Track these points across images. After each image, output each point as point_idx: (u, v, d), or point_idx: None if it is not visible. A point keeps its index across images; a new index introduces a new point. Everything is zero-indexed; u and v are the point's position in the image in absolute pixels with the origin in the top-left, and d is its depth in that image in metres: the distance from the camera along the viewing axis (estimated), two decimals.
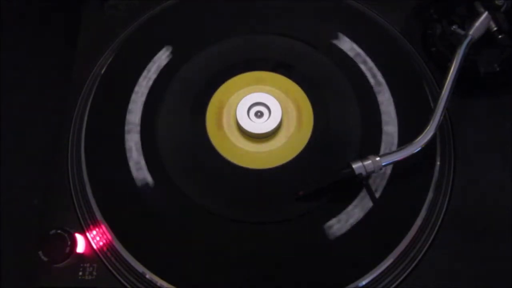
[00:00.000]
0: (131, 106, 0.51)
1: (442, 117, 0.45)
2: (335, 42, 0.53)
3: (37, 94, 0.55)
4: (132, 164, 0.48)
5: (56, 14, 0.60)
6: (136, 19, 0.57)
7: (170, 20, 0.56)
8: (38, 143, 0.52)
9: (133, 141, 0.49)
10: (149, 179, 0.47)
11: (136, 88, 0.52)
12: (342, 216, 0.45)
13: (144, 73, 0.52)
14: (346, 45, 0.53)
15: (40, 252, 0.42)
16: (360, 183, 0.45)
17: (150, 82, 0.52)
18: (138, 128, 0.50)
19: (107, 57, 0.54)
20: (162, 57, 0.53)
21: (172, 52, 0.53)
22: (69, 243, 0.43)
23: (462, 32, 0.49)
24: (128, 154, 0.48)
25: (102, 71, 0.53)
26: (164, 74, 0.52)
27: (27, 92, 0.56)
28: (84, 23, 0.57)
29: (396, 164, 0.45)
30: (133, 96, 0.51)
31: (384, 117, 0.49)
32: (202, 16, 0.55)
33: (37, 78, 0.56)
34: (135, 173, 0.47)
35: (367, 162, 0.44)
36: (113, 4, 0.58)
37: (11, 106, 0.54)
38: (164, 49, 0.53)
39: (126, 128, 0.50)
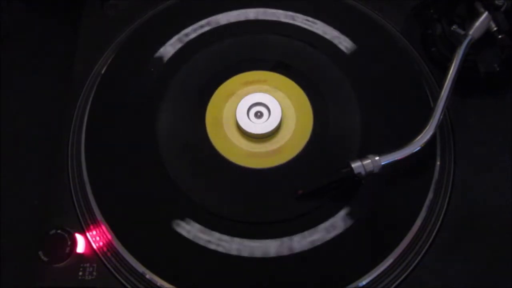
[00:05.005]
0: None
1: (441, 117, 0.45)
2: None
3: (37, 94, 0.55)
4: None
5: (56, 14, 0.60)
6: (136, 19, 0.57)
7: (170, 20, 0.56)
8: (38, 143, 0.52)
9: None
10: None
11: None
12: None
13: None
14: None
15: (40, 252, 0.42)
16: (359, 182, 0.45)
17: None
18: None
19: (107, 56, 0.54)
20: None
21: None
22: (69, 243, 0.43)
23: (462, 32, 0.49)
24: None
25: (102, 71, 0.53)
26: (164, 74, 0.52)
27: (27, 92, 0.56)
28: (84, 23, 0.57)
29: (396, 164, 0.45)
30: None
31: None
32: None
33: (37, 78, 0.56)
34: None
35: (366, 162, 0.44)
36: (113, 4, 0.58)
37: (11, 106, 0.54)
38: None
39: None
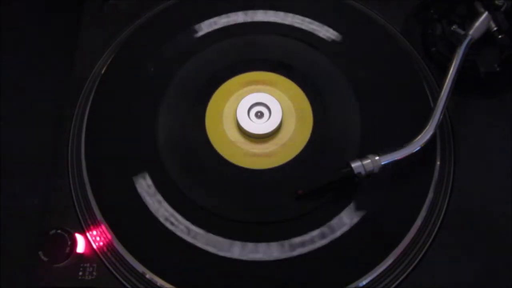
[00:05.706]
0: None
1: (441, 117, 0.45)
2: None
3: (37, 94, 0.55)
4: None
5: (56, 14, 0.60)
6: (136, 19, 0.57)
7: (170, 20, 0.56)
8: (38, 143, 0.52)
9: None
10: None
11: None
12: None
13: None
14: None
15: (40, 252, 0.42)
16: (359, 182, 0.45)
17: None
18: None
19: (107, 57, 0.54)
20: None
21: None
22: (69, 243, 0.43)
23: (462, 32, 0.49)
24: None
25: (102, 71, 0.53)
26: (164, 74, 0.52)
27: (27, 92, 0.56)
28: (84, 23, 0.57)
29: (396, 164, 0.45)
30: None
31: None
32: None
33: (37, 78, 0.56)
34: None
35: (366, 162, 0.44)
36: (113, 4, 0.58)
37: (11, 106, 0.54)
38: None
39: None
